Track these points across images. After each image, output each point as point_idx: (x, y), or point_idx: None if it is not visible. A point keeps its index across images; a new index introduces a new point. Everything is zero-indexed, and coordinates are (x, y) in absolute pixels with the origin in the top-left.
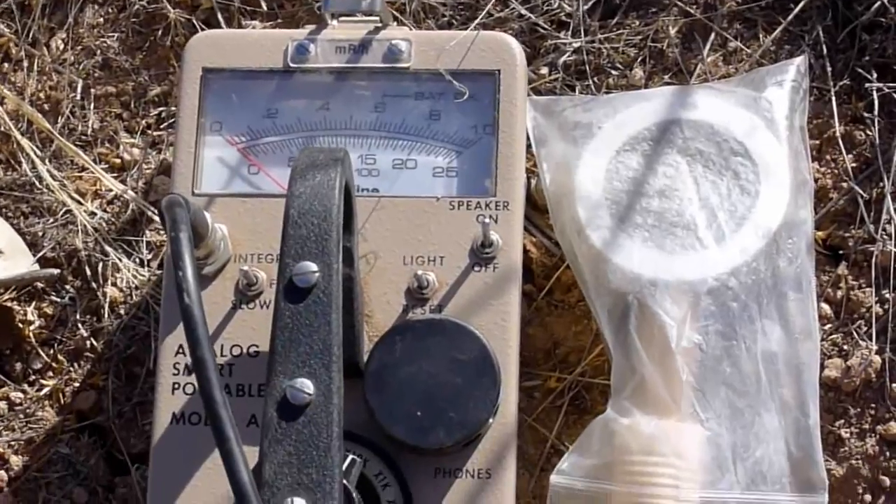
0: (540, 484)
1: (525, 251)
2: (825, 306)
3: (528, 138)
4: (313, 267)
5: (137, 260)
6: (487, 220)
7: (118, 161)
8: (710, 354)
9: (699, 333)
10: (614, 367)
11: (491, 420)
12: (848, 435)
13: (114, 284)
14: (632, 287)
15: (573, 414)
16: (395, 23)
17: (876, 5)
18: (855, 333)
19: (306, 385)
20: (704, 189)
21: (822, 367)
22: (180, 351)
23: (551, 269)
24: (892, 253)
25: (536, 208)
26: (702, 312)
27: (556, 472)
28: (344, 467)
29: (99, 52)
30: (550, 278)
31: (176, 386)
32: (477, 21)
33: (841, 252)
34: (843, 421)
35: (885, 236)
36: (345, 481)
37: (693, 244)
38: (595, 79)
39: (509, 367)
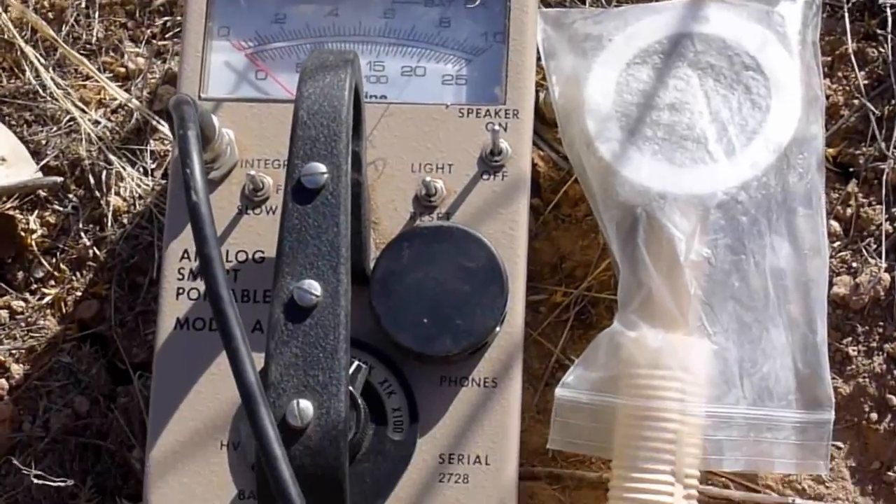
0: (544, 398)
1: (533, 165)
2: (834, 223)
3: (537, 51)
4: (322, 168)
5: (141, 169)
6: (497, 128)
7: (122, 70)
8: (719, 268)
9: (708, 247)
10: (621, 280)
11: (498, 329)
12: (855, 353)
13: (117, 193)
14: (640, 200)
15: (578, 329)
16: None
17: None
18: (864, 251)
19: (314, 287)
20: (715, 103)
21: (831, 285)
22: (185, 256)
23: (559, 184)
24: None
25: (545, 122)
26: (711, 226)
27: (561, 385)
28: (349, 373)
29: None
30: (558, 192)
31: (180, 291)
32: None
33: (851, 169)
34: (850, 339)
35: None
36: (350, 388)
37: (703, 158)
38: None
39: (517, 275)
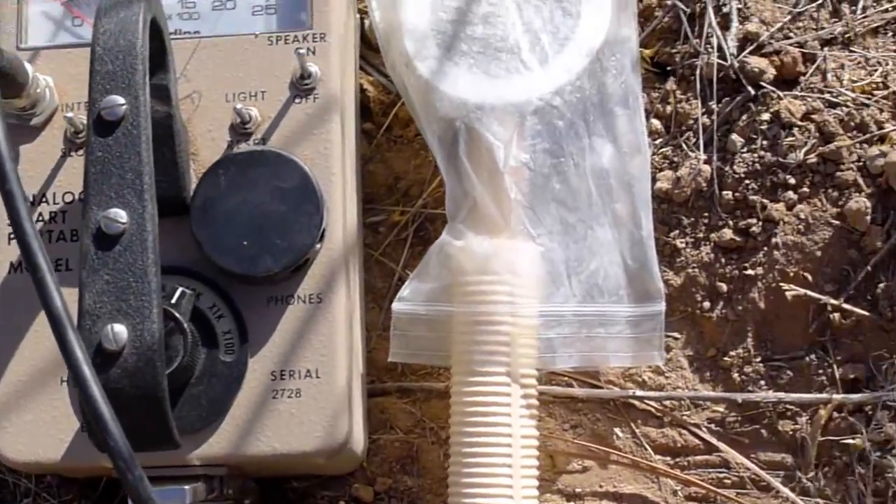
0: (389, 316)
1: (362, 90)
2: (656, 122)
3: None
4: (120, 100)
5: None
6: (303, 51)
7: None
8: (539, 172)
9: (526, 153)
10: (448, 192)
11: (318, 245)
12: (683, 244)
13: None
14: (459, 112)
15: (418, 245)
16: None
17: None
18: (684, 145)
19: (119, 215)
20: (527, 13)
21: (655, 180)
22: None
23: (389, 106)
24: (715, 64)
25: (372, 48)
26: (528, 132)
27: (397, 299)
28: (174, 300)
29: None
30: (388, 115)
31: (11, 236)
32: None
33: (669, 68)
34: (677, 231)
35: (708, 48)
36: (176, 313)
37: (517, 67)
38: None
39: (334, 193)
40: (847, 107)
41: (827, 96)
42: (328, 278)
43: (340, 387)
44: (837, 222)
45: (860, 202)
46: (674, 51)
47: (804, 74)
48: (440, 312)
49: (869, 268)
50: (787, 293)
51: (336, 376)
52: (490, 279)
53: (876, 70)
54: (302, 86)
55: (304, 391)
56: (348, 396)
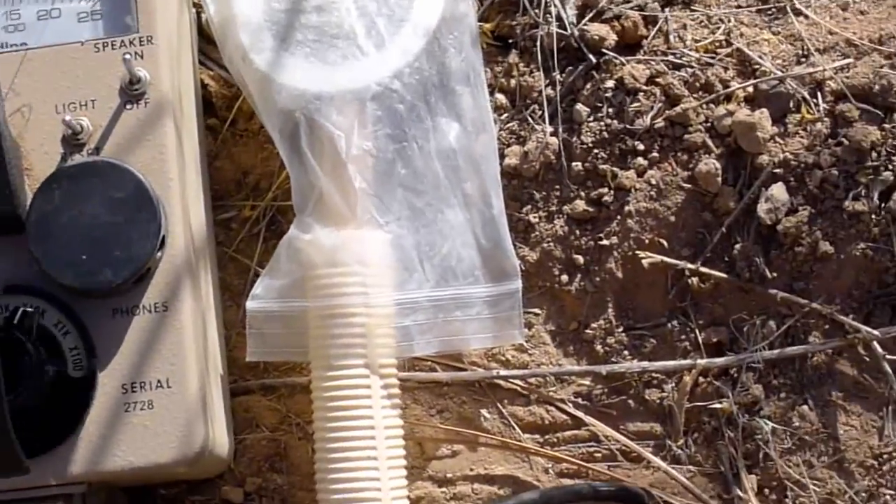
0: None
1: (204, 85)
2: (501, 97)
3: None
4: None
5: None
6: (129, 57)
7: None
8: (382, 158)
9: (368, 140)
10: (294, 185)
11: (159, 253)
12: (537, 219)
13: None
14: (298, 104)
15: (271, 239)
16: None
17: None
18: (530, 118)
19: None
20: None
21: (503, 157)
22: None
23: (231, 100)
24: (555, 34)
25: (210, 42)
26: (369, 119)
27: (250, 297)
28: (16, 320)
29: None
30: (232, 109)
31: None
32: None
33: (510, 41)
34: (529, 206)
35: (548, 18)
36: (19, 333)
37: (354, 53)
38: None
39: (172, 198)
40: (691, 67)
41: (671, 58)
42: (172, 285)
43: (193, 394)
44: (689, 186)
45: (710, 164)
46: (514, 23)
47: (646, 38)
48: (294, 308)
49: (723, 229)
50: (644, 261)
51: (188, 384)
52: (340, 271)
53: (718, 28)
54: (131, 91)
55: (157, 402)
56: (203, 403)
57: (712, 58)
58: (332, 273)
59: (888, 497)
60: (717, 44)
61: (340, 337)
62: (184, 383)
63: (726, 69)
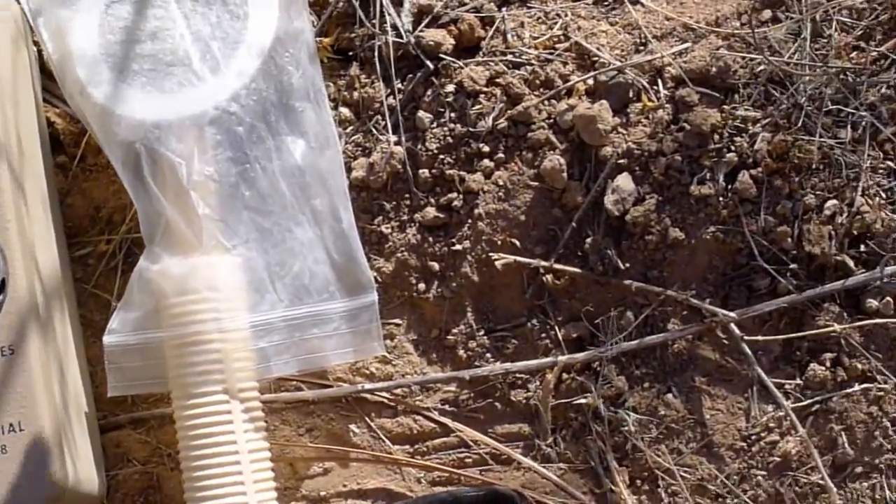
0: None
1: (50, 123)
2: (345, 110)
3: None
4: None
5: None
6: None
7: None
8: (225, 182)
9: (210, 165)
10: (141, 216)
11: (0, 297)
12: (389, 230)
13: None
14: (137, 134)
15: (129, 272)
16: None
17: None
18: (374, 130)
19: None
20: (195, 22)
21: (350, 170)
22: None
23: (79, 136)
24: (392, 43)
25: (54, 80)
26: (209, 144)
27: (106, 332)
28: None
29: None
30: (80, 145)
31: None
32: None
33: (351, 53)
34: (381, 217)
35: (385, 28)
36: None
37: (190, 79)
38: None
39: (10, 242)
40: (531, 65)
41: (510, 57)
42: (18, 328)
43: (48, 436)
44: (536, 183)
45: (554, 160)
46: (353, 35)
47: (484, 39)
48: (150, 339)
49: (574, 224)
50: (497, 262)
51: (41, 426)
52: (192, 299)
53: (556, 23)
54: None
55: (10, 446)
56: (59, 443)
57: (551, 54)
58: (183, 301)
59: (759, 478)
60: (556, 39)
61: (197, 364)
62: (37, 425)
63: (566, 64)
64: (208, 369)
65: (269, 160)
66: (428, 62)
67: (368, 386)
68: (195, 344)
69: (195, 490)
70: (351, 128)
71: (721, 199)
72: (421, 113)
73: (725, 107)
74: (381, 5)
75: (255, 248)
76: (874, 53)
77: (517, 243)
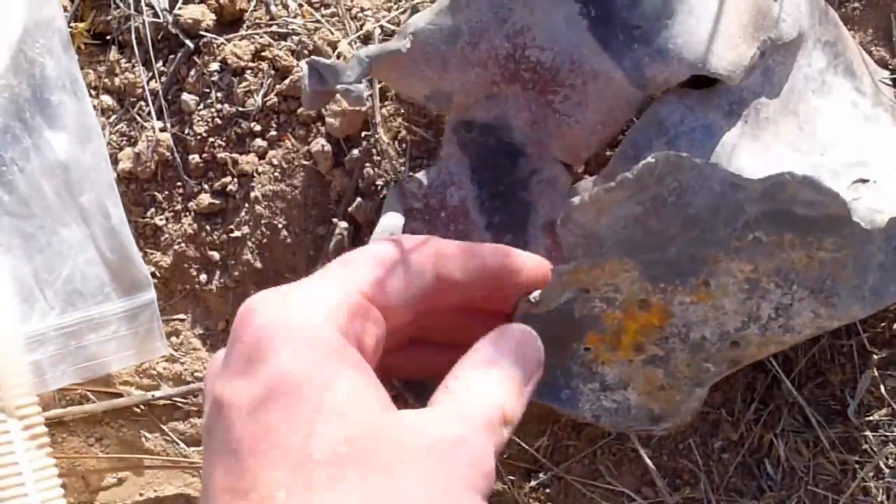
0: None
1: None
2: (107, 98)
3: None
4: None
5: None
6: None
7: None
8: None
9: None
10: None
11: None
12: (163, 221)
13: None
14: None
15: None
16: None
17: None
18: (138, 117)
19: None
20: None
21: (116, 162)
22: None
23: None
24: (149, 24)
25: None
26: None
27: None
28: None
29: None
30: None
31: None
32: None
33: (108, 37)
34: (154, 209)
35: (141, 8)
36: None
37: None
38: None
39: None
40: (298, 34)
41: (275, 28)
42: None
43: None
44: (310, 162)
45: (319, 143)
46: (109, 18)
47: (247, 11)
48: None
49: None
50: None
51: None
52: None
53: None
54: None
55: None
56: None
57: (318, 22)
58: None
59: None
60: (322, 5)
61: None
62: None
63: (333, 31)
64: None
65: (28, 160)
66: (188, 41)
67: (159, 394)
68: None
69: None
70: (114, 116)
71: None
72: (185, 95)
73: None
74: None
75: (19, 255)
76: None
77: (297, 226)
